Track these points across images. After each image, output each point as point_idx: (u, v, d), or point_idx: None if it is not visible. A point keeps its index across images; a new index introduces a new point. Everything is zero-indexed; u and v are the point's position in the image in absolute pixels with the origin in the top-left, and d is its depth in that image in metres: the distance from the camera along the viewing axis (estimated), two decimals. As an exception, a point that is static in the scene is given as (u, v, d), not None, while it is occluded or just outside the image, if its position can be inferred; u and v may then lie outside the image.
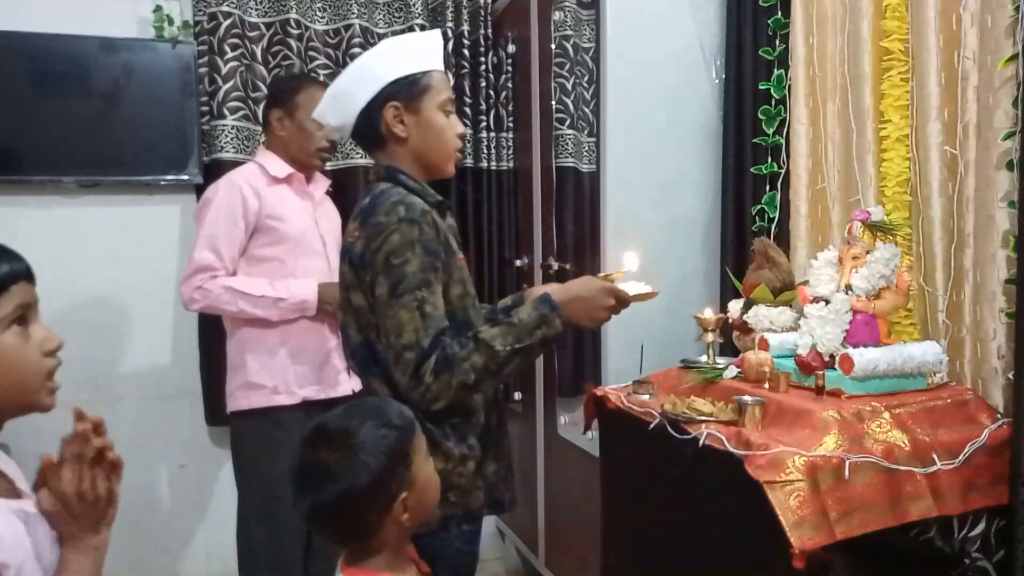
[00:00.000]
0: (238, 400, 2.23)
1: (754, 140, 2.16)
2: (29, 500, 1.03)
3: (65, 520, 1.01)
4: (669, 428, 1.54)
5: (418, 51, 1.51)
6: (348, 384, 2.25)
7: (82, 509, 1.00)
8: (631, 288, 1.47)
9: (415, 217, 1.38)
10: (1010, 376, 1.44)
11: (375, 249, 1.37)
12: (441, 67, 1.54)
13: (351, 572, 1.19)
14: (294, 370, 2.20)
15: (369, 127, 1.49)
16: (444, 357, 1.34)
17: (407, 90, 1.48)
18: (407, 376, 1.35)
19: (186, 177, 2.79)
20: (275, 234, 2.18)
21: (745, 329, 1.85)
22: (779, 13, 2.10)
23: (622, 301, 1.46)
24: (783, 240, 2.05)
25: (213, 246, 2.14)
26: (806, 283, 1.72)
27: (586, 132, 2.65)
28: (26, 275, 1.00)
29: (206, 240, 2.15)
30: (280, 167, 2.23)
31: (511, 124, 3.06)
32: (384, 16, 2.98)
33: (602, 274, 1.54)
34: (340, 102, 1.50)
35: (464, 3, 2.98)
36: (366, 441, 1.14)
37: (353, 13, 2.90)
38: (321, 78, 2.78)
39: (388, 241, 1.36)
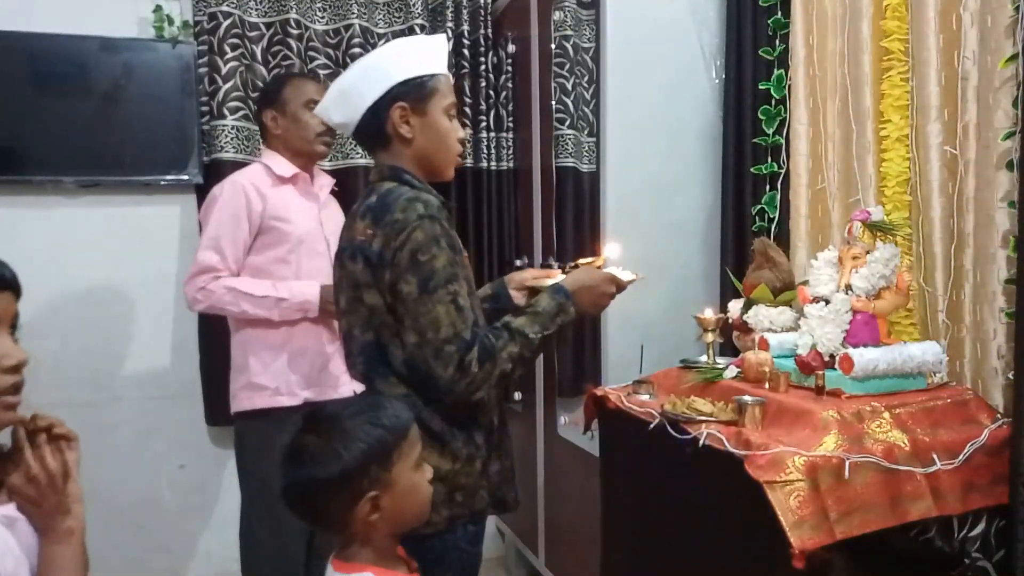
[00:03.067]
0: (241, 401, 2.23)
1: (754, 140, 2.16)
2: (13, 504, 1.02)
3: (32, 511, 0.97)
4: (669, 428, 1.54)
5: (426, 54, 1.51)
6: (350, 386, 2.24)
7: (39, 493, 0.97)
8: (622, 275, 1.57)
9: (434, 213, 1.39)
10: (1010, 376, 1.45)
11: (398, 247, 1.37)
12: (447, 71, 1.55)
13: (339, 565, 1.19)
14: (296, 371, 2.20)
15: (374, 126, 1.49)
16: (484, 348, 1.38)
17: (415, 92, 1.48)
18: (451, 368, 1.36)
19: (186, 177, 2.79)
20: (280, 235, 2.18)
21: (745, 329, 1.85)
22: (779, 13, 2.11)
23: (620, 288, 1.57)
24: (783, 240, 2.05)
25: (217, 247, 2.15)
26: (806, 283, 1.72)
27: (586, 132, 2.65)
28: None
29: (210, 241, 2.16)
30: (285, 167, 2.24)
31: (511, 124, 3.05)
32: (384, 16, 2.98)
33: (584, 260, 1.64)
34: (347, 99, 1.50)
35: (464, 3, 2.97)
36: (348, 433, 1.15)
37: (353, 13, 2.90)
38: (321, 78, 2.78)
39: (412, 238, 1.36)
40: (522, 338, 1.42)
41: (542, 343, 1.44)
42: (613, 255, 1.65)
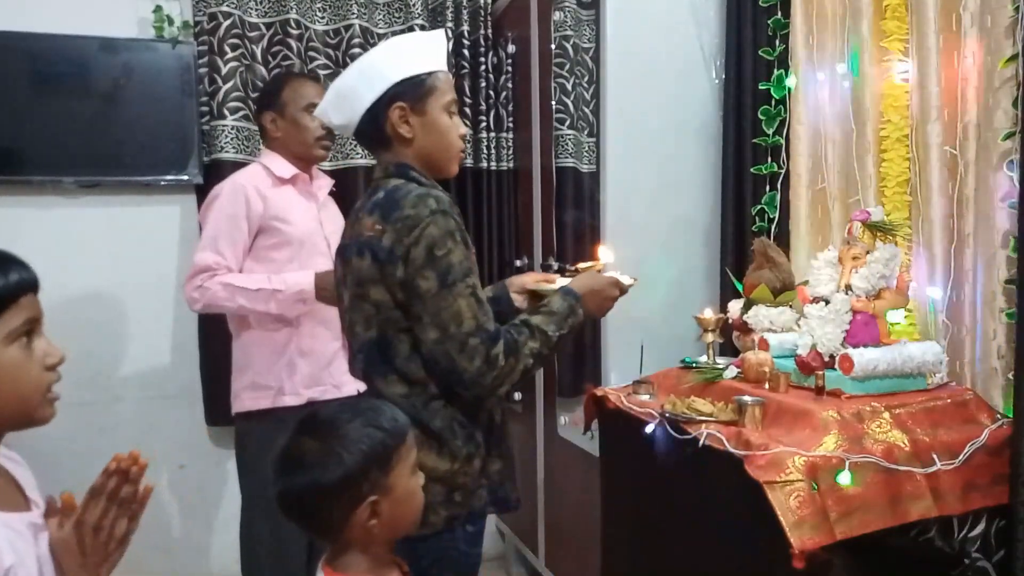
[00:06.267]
0: (244, 401, 2.23)
1: (754, 140, 2.16)
2: (38, 510, 1.02)
3: (71, 551, 0.98)
4: (669, 428, 1.54)
5: (423, 52, 1.50)
6: (353, 385, 2.25)
7: (93, 545, 0.99)
8: (623, 279, 1.60)
9: (446, 208, 1.39)
10: (1010, 376, 1.44)
11: (412, 243, 1.36)
12: (445, 68, 1.54)
13: (330, 572, 1.17)
14: (300, 371, 2.20)
15: (374, 127, 1.49)
16: (509, 342, 1.39)
17: (413, 91, 1.47)
18: (478, 361, 1.36)
19: (186, 177, 2.79)
20: (280, 236, 2.18)
21: (745, 329, 1.85)
22: (779, 13, 2.10)
23: (622, 291, 1.59)
24: (783, 240, 2.05)
25: (215, 247, 2.14)
26: (806, 283, 1.72)
27: (586, 132, 2.65)
28: (34, 286, 0.98)
29: (208, 242, 2.16)
30: (285, 168, 2.24)
31: (511, 124, 3.05)
32: (384, 16, 2.98)
33: (583, 265, 1.68)
34: (345, 101, 1.49)
35: (464, 3, 2.98)
36: (347, 437, 1.13)
37: (353, 13, 2.90)
38: (321, 78, 2.78)
39: (426, 234, 1.36)
40: (542, 335, 1.43)
41: (559, 341, 1.46)
42: (609, 259, 1.71)
